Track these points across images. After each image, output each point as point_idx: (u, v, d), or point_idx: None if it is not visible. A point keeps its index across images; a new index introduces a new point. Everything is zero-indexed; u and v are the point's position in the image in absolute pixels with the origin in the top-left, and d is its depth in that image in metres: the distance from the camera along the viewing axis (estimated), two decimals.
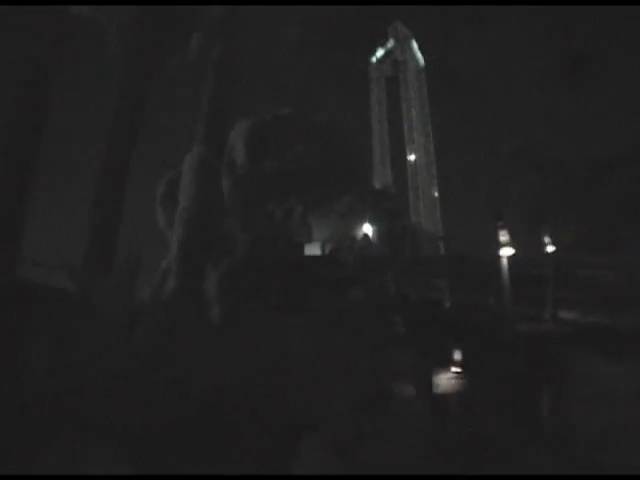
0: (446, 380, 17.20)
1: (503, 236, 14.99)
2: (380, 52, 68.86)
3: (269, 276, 25.20)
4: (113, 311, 12.76)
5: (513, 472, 11.67)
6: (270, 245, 29.07)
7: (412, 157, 65.33)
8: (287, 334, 20.37)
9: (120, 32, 22.12)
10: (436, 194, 64.48)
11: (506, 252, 14.90)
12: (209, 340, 19.37)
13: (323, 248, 35.96)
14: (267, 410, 14.07)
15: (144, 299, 23.96)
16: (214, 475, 11.35)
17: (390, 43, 68.36)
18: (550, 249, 19.69)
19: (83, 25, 21.98)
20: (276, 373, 17.28)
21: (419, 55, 68.27)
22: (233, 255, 27.01)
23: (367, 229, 36.20)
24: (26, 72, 15.24)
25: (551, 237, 19.94)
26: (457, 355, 17.37)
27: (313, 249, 34.87)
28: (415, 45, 68.23)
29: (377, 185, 61.43)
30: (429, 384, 17.47)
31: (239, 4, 23.09)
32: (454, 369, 17.19)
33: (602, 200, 27.96)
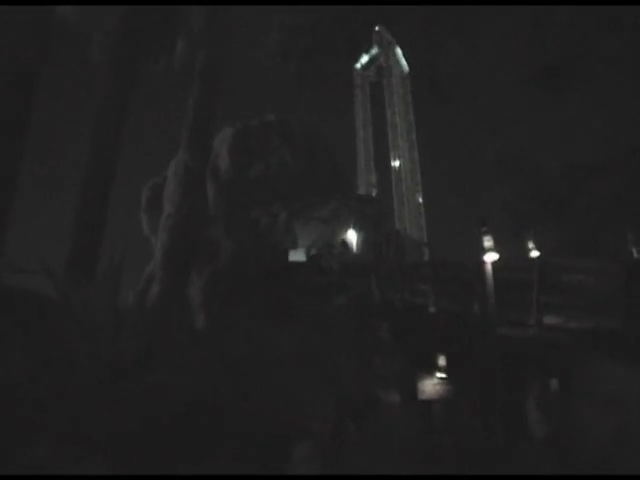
0: (431, 386, 17.22)
1: (487, 241, 14.99)
2: (364, 58, 69.08)
3: (253, 282, 25.09)
4: (96, 317, 12.59)
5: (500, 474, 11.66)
6: (254, 251, 28.97)
7: (396, 163, 65.62)
8: (272, 340, 20.27)
9: (104, 38, 22.01)
10: (420, 200, 64.74)
11: (490, 257, 14.90)
12: (193, 346, 19.20)
13: (308, 254, 35.88)
14: (251, 418, 13.92)
15: (128, 305, 23.75)
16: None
17: (374, 49, 68.59)
18: (534, 254, 19.77)
19: (69, 30, 21.85)
20: (261, 379, 17.16)
21: (403, 61, 68.53)
22: (217, 261, 26.88)
23: (351, 235, 36.18)
24: (10, 75, 15.02)
25: (535, 242, 20.03)
26: (442, 361, 17.41)
27: (298, 255, 34.80)
28: (399, 51, 68.47)
29: (362, 191, 61.59)
30: (414, 390, 17.47)
31: (223, 4, 23.01)
32: (439, 375, 17.21)
33: (584, 205, 28.18)
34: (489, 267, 14.84)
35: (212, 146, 29.23)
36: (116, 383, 11.72)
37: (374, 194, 63.16)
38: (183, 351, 18.89)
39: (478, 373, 15.06)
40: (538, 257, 18.77)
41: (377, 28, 65.00)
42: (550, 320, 13.93)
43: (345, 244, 37.09)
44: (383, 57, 68.49)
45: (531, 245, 20.16)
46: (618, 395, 12.63)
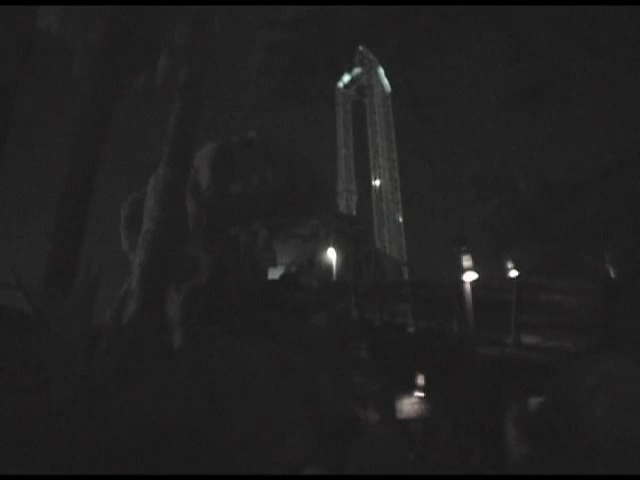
0: (410, 405, 17.17)
1: (466, 261, 15.05)
2: (347, 77, 69.54)
3: (232, 299, 25.03)
4: (71, 333, 12.42)
5: None
6: (234, 268, 28.89)
7: (377, 182, 65.97)
8: (250, 357, 20.15)
9: (86, 52, 21.93)
10: (400, 219, 65.05)
11: (469, 277, 14.96)
12: (170, 364, 19.02)
13: (287, 272, 35.83)
14: (227, 438, 13.80)
15: (105, 322, 23.55)
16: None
17: (357, 68, 69.10)
18: (513, 274, 19.91)
19: (51, 41, 21.82)
20: (238, 397, 17.02)
21: (385, 81, 69.16)
22: (196, 278, 26.76)
23: (331, 253, 36.23)
24: None
25: (514, 262, 20.17)
26: (420, 380, 17.38)
27: (277, 273, 34.77)
28: (381, 71, 69.03)
29: (342, 210, 61.77)
30: (393, 409, 17.42)
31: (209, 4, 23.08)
32: (418, 393, 17.17)
33: (562, 225, 28.46)
34: (468, 286, 14.89)
35: (193, 162, 29.22)
36: (91, 402, 11.54)
37: (354, 212, 63.47)
38: (160, 368, 18.73)
39: (457, 392, 15.06)
40: (517, 277, 18.90)
41: (360, 48, 65.56)
42: (529, 339, 13.98)
43: (312, 263, 37.18)
44: (365, 76, 69.12)
45: (510, 265, 20.31)
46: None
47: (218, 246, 31.14)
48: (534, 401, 12.72)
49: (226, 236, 33.15)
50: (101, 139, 21.09)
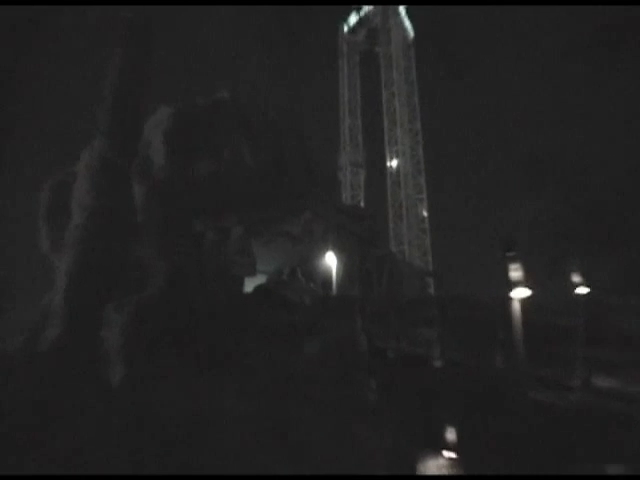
0: (436, 468, 16.99)
1: (515, 271, 14.82)
2: (353, 18, 68.28)
3: (194, 321, 24.82)
4: None
5: None
6: (197, 278, 28.66)
7: (394, 163, 65.70)
8: (216, 398, 20.02)
9: None
10: (425, 213, 64.75)
11: (519, 293, 14.72)
12: (106, 405, 18.85)
13: (271, 284, 35.59)
14: None
15: (17, 347, 23.28)
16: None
17: (367, 7, 68.00)
18: (580, 290, 19.56)
19: None
20: (198, 454, 16.97)
21: (407, 24, 67.98)
22: (145, 291, 26.52)
23: (330, 259, 36.04)
24: None
25: (581, 274, 19.83)
26: (451, 434, 17.17)
27: (257, 285, 34.59)
28: (402, 10, 67.74)
29: (345, 200, 61.52)
30: (412, 473, 17.25)
31: None
32: (447, 453, 16.96)
33: None
34: (517, 307, 14.66)
35: (141, 132, 28.76)
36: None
37: (361, 201, 63.30)
38: (92, 410, 18.55)
39: (502, 453, 14.85)
40: (585, 294, 18.59)
41: None
42: (602, 382, 13.75)
43: (305, 272, 37.05)
44: (380, 17, 68.34)
45: (576, 278, 19.95)
46: None
47: (176, 248, 30.91)
48: (613, 469, 12.48)
49: (187, 234, 32.89)
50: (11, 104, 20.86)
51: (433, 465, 17.03)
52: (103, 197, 21.52)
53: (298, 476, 16.34)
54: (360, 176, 66.19)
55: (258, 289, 32.91)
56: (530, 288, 14.66)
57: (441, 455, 17.00)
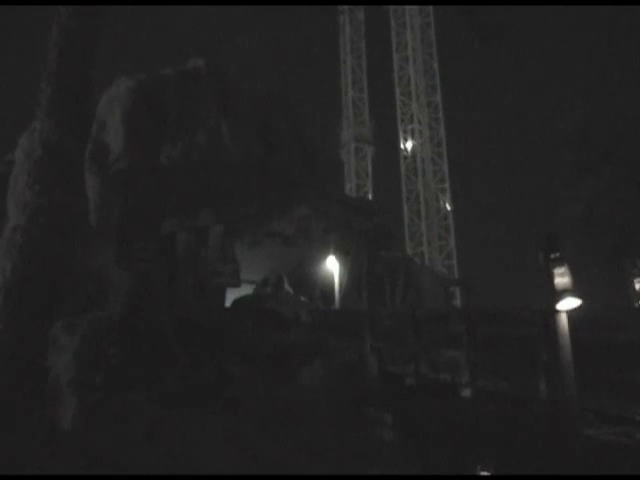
0: None
1: (560, 277, 14.54)
2: None
3: (165, 346, 24.65)
4: None
5: None
6: (167, 291, 28.51)
7: (409, 145, 65.70)
8: (194, 440, 19.82)
9: None
10: (448, 207, 64.72)
11: (566, 304, 14.44)
12: (54, 455, 18.61)
13: (259, 296, 35.50)
14: None
15: None
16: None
17: None
18: None
19: None
20: None
21: None
22: (103, 309, 26.36)
23: (332, 265, 35.94)
24: None
25: None
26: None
27: (236, 298, 34.53)
28: None
29: (350, 191, 61.50)
30: None
31: None
32: None
33: None
34: (564, 321, 14.40)
35: (94, 110, 28.53)
36: None
37: (369, 192, 63.21)
38: (33, 460, 18.30)
39: None
40: None
41: None
42: None
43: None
44: None
45: (639, 283, 19.79)
46: None
47: (141, 254, 30.77)
48: None
49: (154, 237, 32.75)
50: None
51: None
52: (47, 192, 21.24)
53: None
54: (367, 155, 66.23)
55: (238, 303, 32.84)
56: (581, 297, 14.38)
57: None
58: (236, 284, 34.50)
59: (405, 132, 65.65)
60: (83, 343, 24.21)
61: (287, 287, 36.31)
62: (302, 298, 36.35)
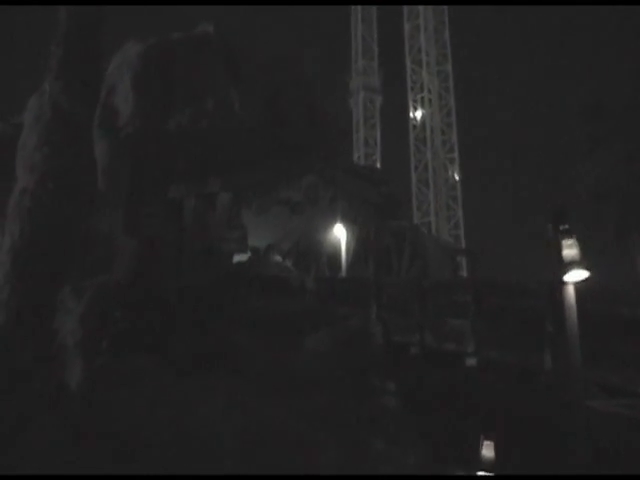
0: None
1: (568, 249, 14.47)
2: None
3: (171, 311, 24.69)
4: None
5: None
6: (174, 256, 28.51)
7: (418, 114, 65.45)
8: (197, 406, 19.90)
9: None
10: (457, 177, 64.54)
11: (574, 276, 14.38)
12: (61, 414, 18.73)
13: (264, 262, 35.48)
14: None
15: None
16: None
17: None
18: None
19: None
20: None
21: None
22: (110, 272, 26.39)
23: (340, 233, 35.90)
24: None
25: None
26: (488, 449, 17.01)
27: (235, 264, 34.52)
28: None
29: (358, 160, 61.36)
30: None
31: None
32: (482, 472, 16.85)
33: None
34: (571, 293, 14.35)
35: (103, 74, 28.42)
36: None
37: (377, 145, 63.06)
38: (42, 419, 18.42)
39: (551, 472, 14.69)
40: None
41: None
42: None
43: (308, 249, 37.01)
44: None
45: None
46: None
47: (148, 219, 30.74)
48: None
49: (162, 202, 32.71)
50: None
51: None
52: (56, 156, 21.30)
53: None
54: (375, 106, 66.04)
55: (250, 265, 32.88)
56: (588, 270, 14.31)
57: (475, 474, 16.92)
58: (243, 250, 34.55)
59: (415, 101, 65.46)
60: (89, 307, 24.33)
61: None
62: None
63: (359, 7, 69.98)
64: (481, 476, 14.74)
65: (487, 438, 16.67)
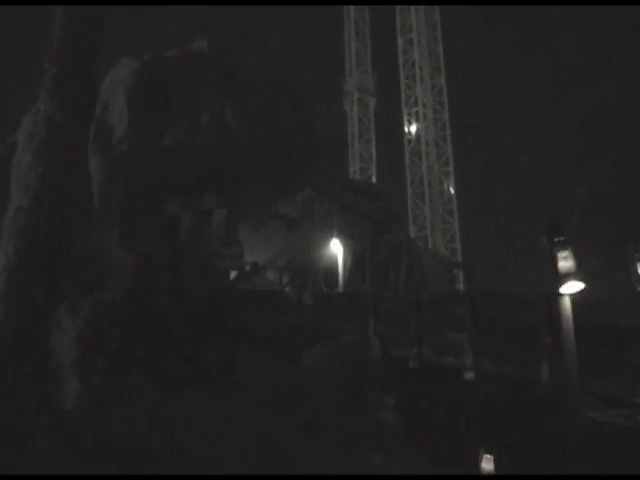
0: None
1: (564, 261, 14.50)
2: None
3: (168, 328, 24.66)
4: None
5: None
6: (171, 272, 28.51)
7: (413, 128, 65.56)
8: (197, 421, 19.87)
9: None
10: (452, 191, 64.67)
11: (569, 288, 14.40)
12: (57, 435, 18.68)
13: (260, 277, 35.47)
14: None
15: None
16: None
17: None
18: None
19: None
20: None
21: None
22: (106, 289, 26.38)
23: (336, 248, 35.93)
24: None
25: None
26: (487, 462, 17.04)
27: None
28: None
29: (354, 174, 61.42)
30: None
31: None
32: None
33: None
34: (567, 304, 14.38)
35: (98, 92, 28.44)
36: None
37: (373, 178, 63.10)
38: (37, 440, 18.36)
39: None
40: None
41: None
42: None
43: (304, 264, 37.03)
44: None
45: None
46: None
47: (144, 236, 30.76)
48: None
49: (158, 219, 32.73)
50: None
51: None
52: (51, 174, 21.27)
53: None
54: (370, 107, 66.35)
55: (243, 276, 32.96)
56: (584, 281, 14.36)
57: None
58: (238, 267, 34.57)
59: (409, 115, 65.61)
60: (86, 325, 24.28)
61: (313, 269, 36.42)
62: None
63: (352, 19, 70.23)
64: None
65: (487, 451, 16.69)
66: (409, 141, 64.91)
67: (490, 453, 16.79)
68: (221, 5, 70.42)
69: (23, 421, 18.30)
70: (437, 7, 66.79)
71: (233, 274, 35.27)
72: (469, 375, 18.91)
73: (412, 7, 65.68)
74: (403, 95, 66.14)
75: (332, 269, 35.65)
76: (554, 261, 13.96)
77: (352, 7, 70.28)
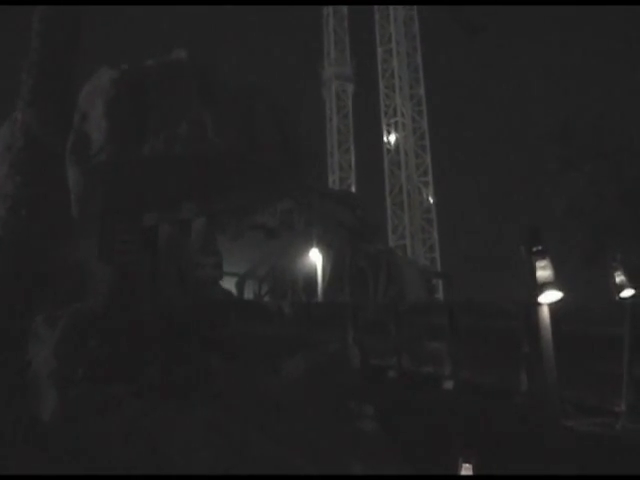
0: None
1: (542, 270, 14.51)
2: None
3: (147, 339, 24.57)
4: None
5: None
6: (149, 283, 28.40)
7: (392, 138, 65.59)
8: (175, 433, 19.77)
9: None
10: (431, 200, 64.71)
11: (548, 297, 14.42)
12: (31, 448, 18.56)
13: (240, 288, 35.36)
14: None
15: None
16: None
17: None
18: (626, 293, 19.33)
19: None
20: None
21: None
22: (84, 301, 26.26)
23: (315, 257, 35.86)
24: None
25: (626, 272, 19.58)
26: (466, 471, 17.01)
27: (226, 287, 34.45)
28: None
29: (333, 184, 61.39)
30: None
31: None
32: None
33: None
34: (546, 313, 14.39)
35: (76, 101, 28.28)
36: None
37: (353, 188, 63.10)
38: (14, 452, 18.24)
39: None
40: (632, 298, 18.37)
41: None
42: None
43: (283, 273, 37.00)
44: None
45: (619, 277, 19.68)
46: None
47: (122, 246, 30.63)
48: None
49: (136, 229, 32.58)
50: None
51: None
52: (28, 184, 21.18)
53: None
54: (347, 95, 66.57)
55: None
56: (562, 290, 14.37)
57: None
58: (218, 276, 34.44)
59: (388, 125, 65.66)
60: (64, 336, 24.19)
61: (292, 279, 36.41)
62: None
63: (331, 31, 70.30)
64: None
65: (465, 461, 16.65)
66: (388, 151, 64.91)
67: (469, 462, 16.75)
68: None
69: (0, 432, 18.19)
70: (416, 18, 67.02)
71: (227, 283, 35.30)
72: (448, 384, 18.86)
73: (391, 17, 65.82)
74: (382, 105, 66.18)
75: (311, 279, 35.56)
76: (533, 270, 13.98)
77: (331, 17, 70.37)
